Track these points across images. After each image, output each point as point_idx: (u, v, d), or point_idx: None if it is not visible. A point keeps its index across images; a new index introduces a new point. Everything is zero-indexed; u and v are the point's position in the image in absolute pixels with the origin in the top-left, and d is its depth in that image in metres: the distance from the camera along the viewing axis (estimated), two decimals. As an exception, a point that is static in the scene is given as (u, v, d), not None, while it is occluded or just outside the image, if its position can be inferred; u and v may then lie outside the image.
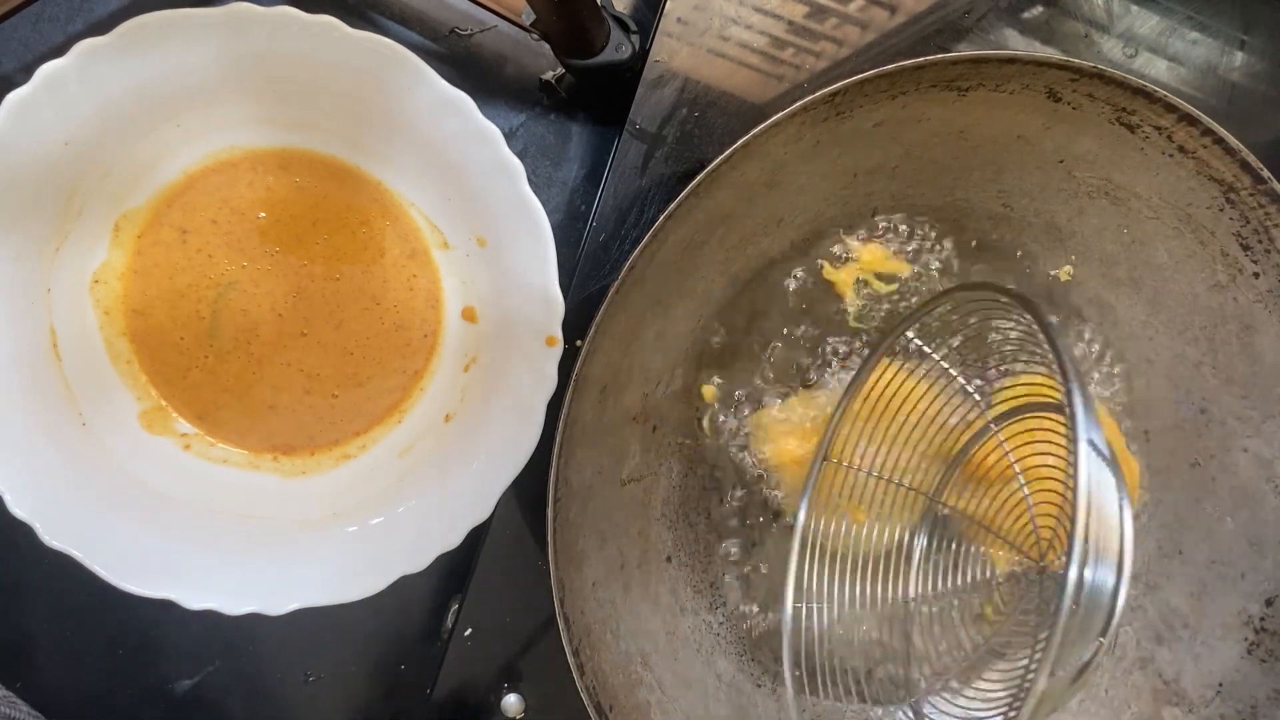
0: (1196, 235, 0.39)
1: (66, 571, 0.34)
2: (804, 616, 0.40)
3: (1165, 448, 0.42)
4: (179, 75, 0.34)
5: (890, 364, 0.41)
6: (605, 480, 0.39)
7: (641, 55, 0.40)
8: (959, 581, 0.41)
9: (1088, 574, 0.26)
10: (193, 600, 0.35)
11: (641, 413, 0.40)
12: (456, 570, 0.43)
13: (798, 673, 0.39)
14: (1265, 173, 0.36)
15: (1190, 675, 0.41)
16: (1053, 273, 0.43)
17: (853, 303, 0.42)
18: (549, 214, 0.36)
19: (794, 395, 0.42)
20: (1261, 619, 0.40)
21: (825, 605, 0.40)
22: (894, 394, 0.40)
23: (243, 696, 0.43)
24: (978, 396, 0.39)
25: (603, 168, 0.42)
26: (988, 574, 0.40)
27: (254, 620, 0.36)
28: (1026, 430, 0.37)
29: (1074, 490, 0.26)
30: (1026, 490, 0.37)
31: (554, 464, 0.34)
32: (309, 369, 0.39)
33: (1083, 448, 0.26)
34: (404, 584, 0.37)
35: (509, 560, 0.41)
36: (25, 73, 0.32)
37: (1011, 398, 0.39)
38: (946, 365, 0.40)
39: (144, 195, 0.37)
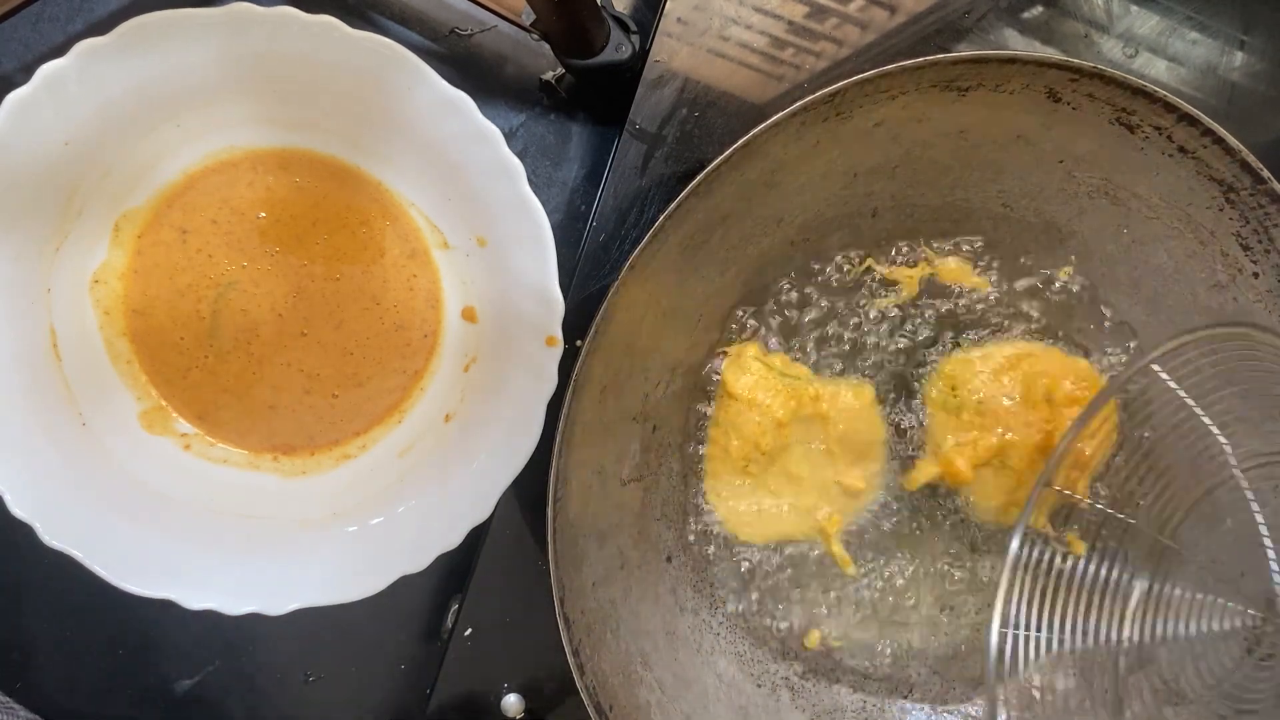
0: (1196, 235, 0.39)
1: (66, 571, 0.34)
2: (1008, 642, 0.38)
3: (1165, 448, 0.42)
4: (179, 75, 0.34)
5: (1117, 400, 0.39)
6: (605, 480, 0.39)
7: (641, 55, 0.40)
8: (1181, 630, 0.38)
9: None
10: (193, 600, 0.35)
11: (641, 413, 0.40)
12: (456, 570, 0.43)
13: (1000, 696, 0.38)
14: (1265, 173, 0.36)
15: (1190, 675, 0.41)
16: (1053, 273, 0.43)
17: (894, 307, 0.42)
18: (549, 214, 0.36)
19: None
20: (1262, 619, 0.40)
21: (1031, 634, 0.39)
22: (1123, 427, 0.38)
23: (243, 696, 0.43)
24: (1224, 439, 0.37)
25: (603, 168, 0.42)
26: (1214, 626, 0.38)
27: (254, 620, 0.36)
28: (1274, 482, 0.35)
29: None
30: (1267, 537, 0.35)
31: (554, 464, 0.34)
32: (309, 369, 0.39)
33: None
34: (404, 584, 0.37)
35: (509, 560, 0.41)
36: (25, 73, 0.32)
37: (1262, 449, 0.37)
38: (1192, 402, 0.38)
39: (144, 195, 0.37)
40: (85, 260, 0.37)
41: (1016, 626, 0.38)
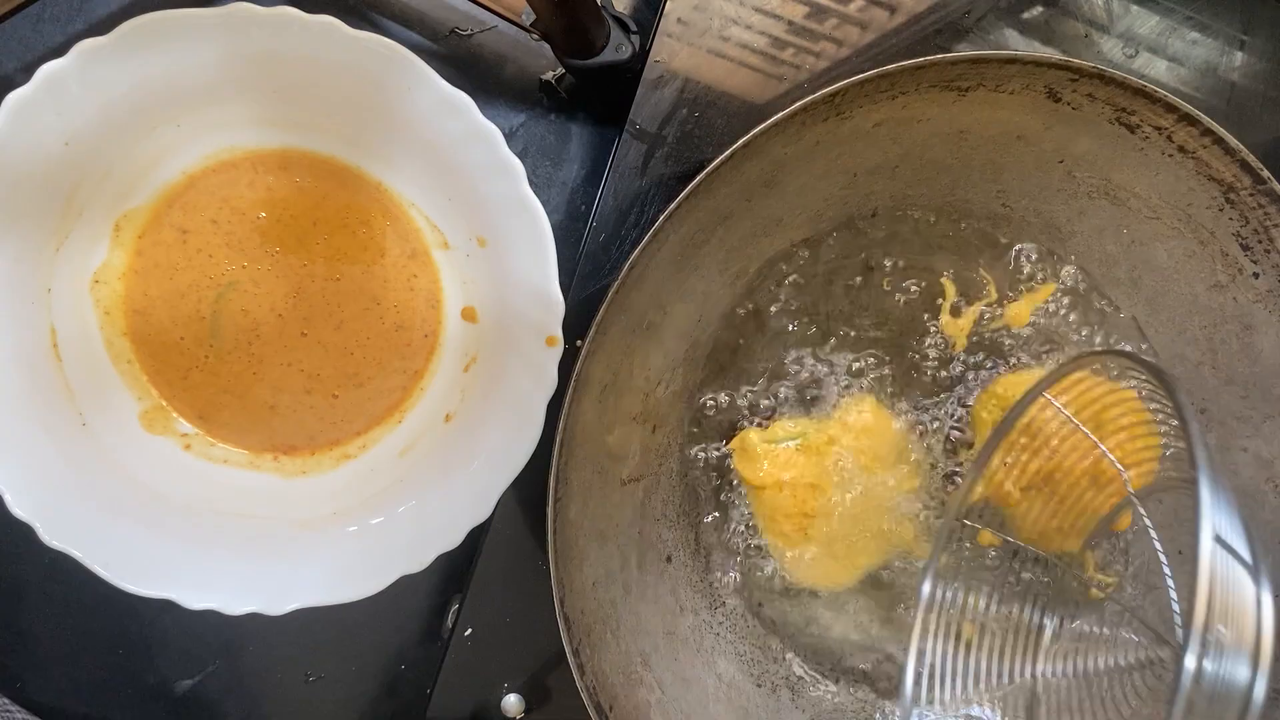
0: (1196, 235, 0.39)
1: (66, 571, 0.34)
2: (924, 684, 0.39)
3: (1165, 448, 0.42)
4: (179, 75, 0.34)
5: (1024, 428, 0.39)
6: (605, 480, 0.39)
7: (641, 55, 0.40)
8: (1091, 665, 0.38)
9: (1211, 666, 0.25)
10: (193, 600, 0.35)
11: (641, 413, 0.40)
12: (456, 570, 0.43)
13: None
14: (1265, 173, 0.36)
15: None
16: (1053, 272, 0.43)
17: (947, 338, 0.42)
18: (549, 214, 0.36)
19: (780, 417, 0.42)
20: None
21: (947, 677, 0.39)
22: (1027, 460, 0.39)
23: (243, 696, 0.43)
24: (1120, 466, 0.38)
25: (603, 168, 0.42)
26: (1124, 660, 0.38)
27: (254, 620, 0.36)
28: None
29: (1194, 583, 0.25)
30: (1168, 570, 0.35)
31: (554, 464, 0.34)
32: (309, 369, 0.39)
33: (1205, 537, 0.25)
34: (404, 584, 0.37)
35: (509, 560, 0.41)
36: (25, 73, 0.32)
37: (1153, 470, 0.37)
38: (1087, 430, 0.38)
39: (144, 195, 0.37)
40: (86, 260, 0.37)
41: (932, 666, 0.39)
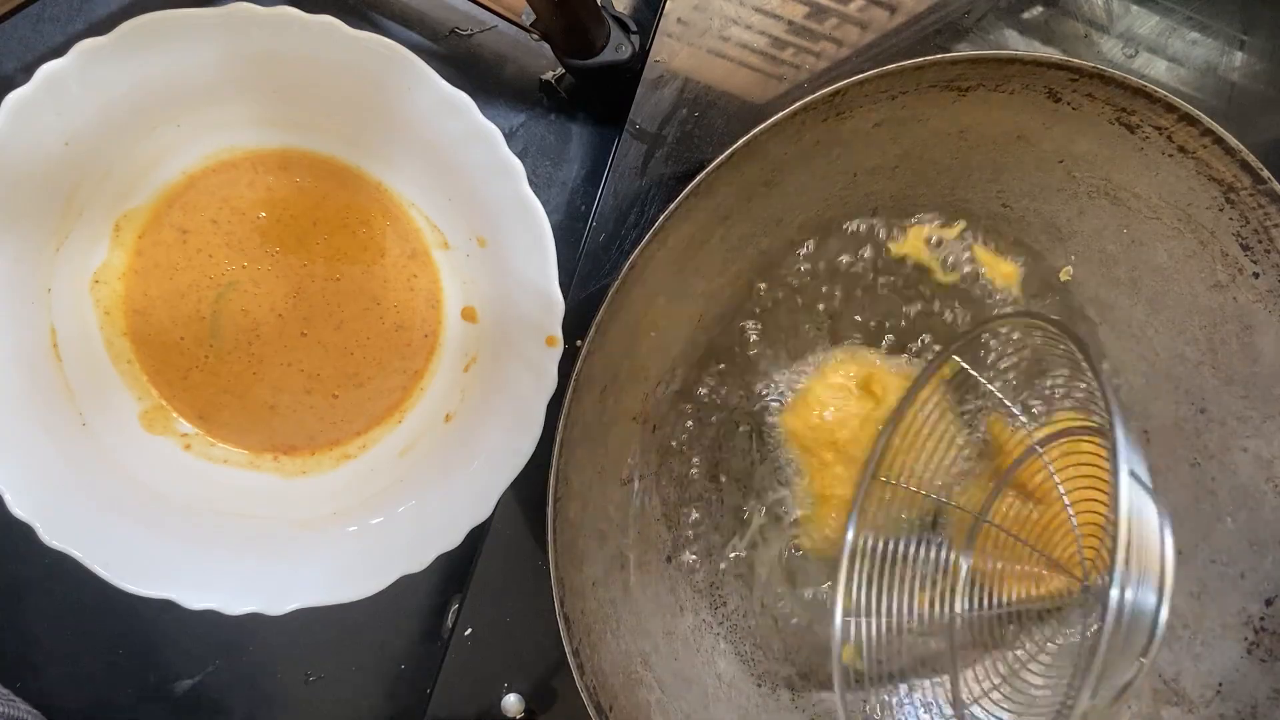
0: (1196, 235, 0.39)
1: (66, 571, 0.34)
2: (852, 628, 0.41)
3: (1165, 447, 0.43)
4: (179, 75, 0.34)
5: (937, 384, 0.42)
6: (605, 480, 0.39)
7: (641, 55, 0.40)
8: (1004, 599, 0.41)
9: (1129, 595, 0.27)
10: (193, 600, 0.35)
11: (641, 413, 0.40)
12: (456, 570, 0.43)
13: (848, 679, 0.40)
14: (1265, 173, 0.36)
15: (1190, 675, 0.41)
16: (1053, 272, 0.43)
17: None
18: (549, 214, 0.36)
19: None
20: (1261, 619, 0.40)
21: (873, 618, 0.41)
22: (941, 415, 0.41)
23: (243, 696, 0.43)
24: (1024, 419, 0.41)
25: (603, 168, 0.42)
26: (1032, 592, 0.41)
27: (254, 620, 0.36)
28: (1069, 454, 0.38)
29: (1114, 516, 0.27)
30: (1072, 512, 0.37)
31: (554, 464, 0.34)
32: (309, 369, 0.39)
33: (1123, 476, 0.27)
34: (404, 584, 0.37)
35: (509, 560, 0.41)
36: (25, 73, 0.32)
37: (1056, 421, 0.40)
38: (993, 388, 0.41)
39: (144, 195, 0.37)
40: (85, 260, 0.37)
41: (858, 614, 0.41)
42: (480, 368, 0.39)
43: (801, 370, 0.43)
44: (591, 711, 0.36)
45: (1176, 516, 0.41)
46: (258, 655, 0.43)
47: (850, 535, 0.42)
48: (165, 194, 0.37)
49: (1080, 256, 0.42)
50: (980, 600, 0.42)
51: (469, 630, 0.41)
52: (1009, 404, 0.42)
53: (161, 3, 0.33)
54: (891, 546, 0.42)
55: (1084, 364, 0.32)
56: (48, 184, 0.34)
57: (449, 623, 0.42)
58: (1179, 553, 0.41)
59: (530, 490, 0.39)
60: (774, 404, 0.43)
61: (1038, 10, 0.43)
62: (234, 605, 0.36)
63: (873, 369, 0.43)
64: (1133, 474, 0.28)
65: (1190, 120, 0.36)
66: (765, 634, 0.43)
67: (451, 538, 0.37)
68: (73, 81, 0.32)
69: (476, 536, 0.39)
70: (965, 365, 0.41)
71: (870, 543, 0.42)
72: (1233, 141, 0.36)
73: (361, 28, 0.34)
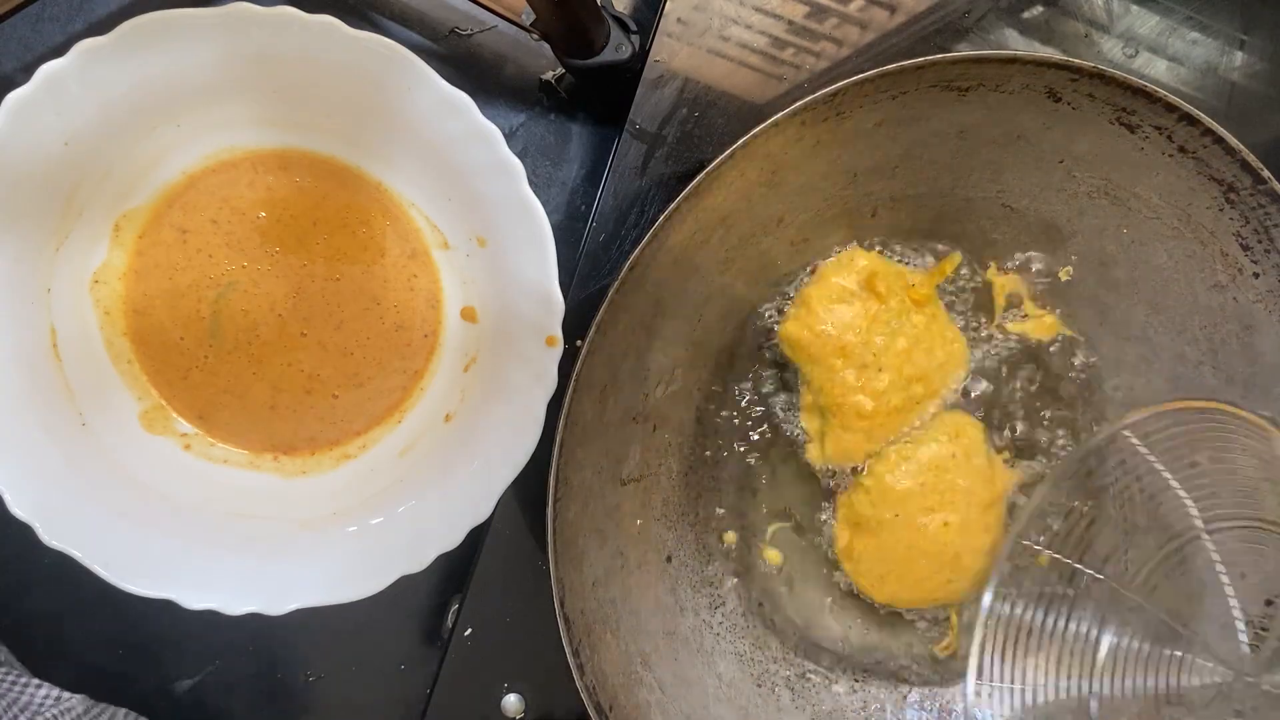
0: (1196, 235, 0.39)
1: (66, 571, 0.34)
2: (983, 694, 0.39)
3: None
4: (179, 75, 0.34)
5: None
6: (605, 480, 0.39)
7: (641, 55, 0.40)
8: (1147, 684, 0.39)
9: None
10: (193, 600, 0.35)
11: (641, 413, 0.40)
12: (456, 570, 0.43)
13: None
14: (1265, 173, 0.36)
15: (1190, 675, 0.41)
16: (1053, 272, 0.43)
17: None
18: (549, 214, 0.36)
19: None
20: (1262, 619, 0.40)
21: (1005, 689, 0.39)
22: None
23: (243, 696, 0.43)
24: (1189, 501, 0.38)
25: (603, 168, 0.42)
26: (1181, 681, 0.38)
27: (254, 620, 0.36)
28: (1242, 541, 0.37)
29: None
30: (1232, 597, 0.36)
31: (554, 464, 0.34)
32: (309, 369, 0.39)
33: None
34: (404, 584, 0.37)
35: (509, 560, 0.41)
36: (25, 73, 0.32)
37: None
38: (1161, 468, 0.39)
39: (144, 195, 0.37)
40: (85, 260, 0.37)
41: (991, 679, 0.39)
42: (480, 368, 0.39)
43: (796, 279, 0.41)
44: (591, 711, 0.36)
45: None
46: (258, 655, 0.43)
47: (988, 598, 0.40)
48: (165, 194, 0.37)
49: (1080, 256, 0.42)
50: (1120, 684, 0.39)
51: (469, 630, 0.41)
52: (1178, 488, 0.39)
53: (161, 3, 0.33)
54: (1029, 614, 0.40)
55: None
56: (48, 184, 0.34)
57: (449, 623, 0.42)
58: (1180, 552, 0.41)
59: (530, 490, 0.39)
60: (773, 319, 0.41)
61: (1038, 10, 0.43)
62: (234, 605, 0.36)
63: (875, 266, 0.41)
64: None
65: (1190, 120, 0.36)
66: (765, 634, 0.43)
67: (451, 538, 0.37)
68: (73, 81, 0.32)
69: (476, 536, 0.39)
70: (1137, 443, 0.39)
71: (1008, 607, 0.40)
72: (1233, 141, 0.36)
73: (361, 28, 0.34)
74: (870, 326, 0.40)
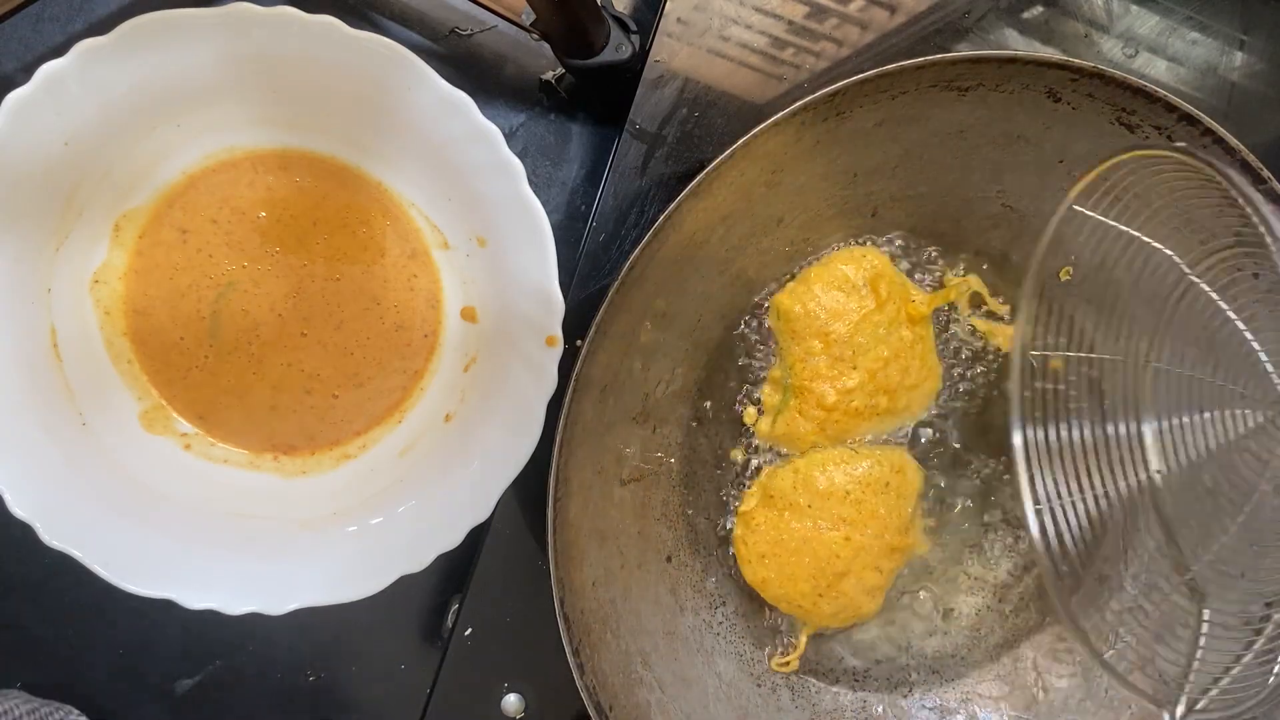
0: (1197, 235, 0.39)
1: (66, 571, 0.34)
2: (1046, 518, 0.37)
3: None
4: (179, 75, 0.34)
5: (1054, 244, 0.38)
6: (605, 480, 0.39)
7: (641, 55, 0.40)
8: (1200, 449, 0.37)
9: None
10: (193, 600, 0.35)
11: (641, 413, 0.40)
12: (456, 570, 0.43)
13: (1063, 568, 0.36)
14: (1265, 173, 0.36)
15: (1190, 675, 0.41)
16: (1053, 272, 0.43)
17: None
18: (549, 214, 0.36)
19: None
20: (1261, 619, 0.40)
21: (1066, 504, 0.37)
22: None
23: (243, 696, 0.43)
24: (1169, 252, 0.36)
25: (603, 168, 0.42)
26: (1229, 435, 0.37)
27: (254, 620, 0.36)
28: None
29: None
30: (1250, 338, 0.34)
31: (554, 464, 0.34)
32: (309, 369, 0.39)
33: None
34: (404, 584, 0.37)
35: (509, 560, 0.41)
36: (25, 73, 0.32)
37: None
38: (1125, 227, 0.36)
39: (144, 195, 0.37)
40: (85, 260, 0.37)
41: (1049, 501, 0.37)
42: (480, 368, 0.39)
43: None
44: (591, 711, 0.36)
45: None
46: (258, 655, 0.43)
47: (1018, 439, 0.37)
48: (165, 194, 0.37)
49: (1080, 257, 0.42)
50: (1176, 456, 0.37)
51: (469, 630, 0.41)
52: (1152, 241, 0.36)
53: (161, 3, 0.33)
54: (1064, 431, 0.38)
55: (1235, 194, 0.30)
56: (48, 184, 0.34)
57: (449, 623, 0.42)
58: (1180, 552, 0.41)
59: (530, 490, 0.39)
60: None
61: (1038, 10, 0.43)
62: (234, 605, 0.36)
63: (884, 269, 0.41)
64: None
65: (1190, 120, 0.36)
66: (765, 634, 0.43)
67: (451, 538, 0.37)
68: (73, 81, 0.32)
69: (476, 536, 0.39)
70: (1092, 213, 0.36)
71: (1040, 431, 0.38)
72: (1233, 141, 0.36)
73: (361, 28, 0.34)
74: (859, 324, 0.40)
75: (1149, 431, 0.38)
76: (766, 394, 0.42)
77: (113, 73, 0.33)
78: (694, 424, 0.42)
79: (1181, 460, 0.38)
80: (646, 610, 0.40)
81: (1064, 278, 0.43)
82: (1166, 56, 0.44)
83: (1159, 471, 0.38)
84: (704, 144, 0.41)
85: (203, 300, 0.38)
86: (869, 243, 0.42)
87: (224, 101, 0.36)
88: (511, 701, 0.42)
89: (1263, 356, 0.34)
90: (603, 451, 0.38)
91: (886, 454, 0.42)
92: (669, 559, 0.42)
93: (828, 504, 0.41)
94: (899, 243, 0.43)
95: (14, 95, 0.32)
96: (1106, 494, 0.38)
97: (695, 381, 0.42)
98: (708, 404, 0.42)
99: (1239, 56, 0.44)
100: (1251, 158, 0.36)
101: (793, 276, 0.42)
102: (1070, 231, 0.37)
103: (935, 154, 0.39)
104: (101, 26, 0.38)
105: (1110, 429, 0.38)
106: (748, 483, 0.43)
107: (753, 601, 0.43)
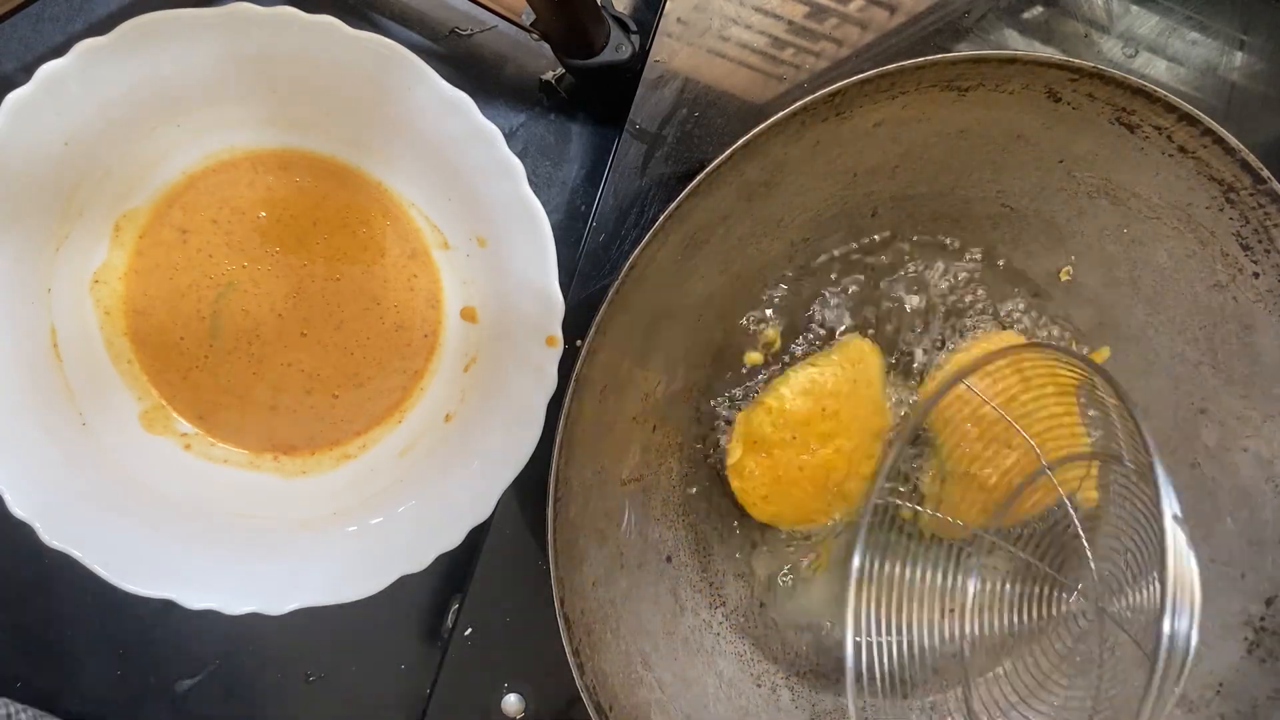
0: (1196, 235, 0.39)
1: (66, 571, 0.34)
2: (863, 650, 0.41)
3: (1165, 447, 0.42)
4: (179, 75, 0.34)
5: (947, 403, 0.42)
6: (605, 480, 0.39)
7: (641, 55, 0.40)
8: (1015, 620, 0.42)
9: (1169, 627, 0.28)
10: (193, 600, 0.35)
11: (641, 413, 0.40)
12: (456, 570, 0.43)
13: (860, 703, 0.41)
14: (1265, 173, 0.36)
15: (1190, 675, 0.41)
16: (1053, 273, 0.43)
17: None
18: (549, 214, 0.36)
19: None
20: (1261, 619, 0.40)
21: (884, 639, 0.42)
22: (950, 433, 0.42)
23: (243, 696, 0.43)
24: (1033, 442, 0.41)
25: (603, 168, 0.42)
26: (1044, 612, 0.41)
27: (254, 620, 0.36)
28: (1081, 476, 0.39)
29: (1164, 561, 0.28)
30: (1080, 531, 0.38)
31: (554, 464, 0.34)
32: (309, 369, 0.39)
33: (1168, 521, 0.29)
34: (404, 584, 0.37)
35: (509, 560, 0.41)
36: (25, 73, 0.32)
37: (1063, 444, 0.40)
38: (1004, 414, 0.41)
39: (144, 195, 0.37)
40: (85, 260, 0.37)
41: (869, 634, 0.42)
42: (480, 368, 0.39)
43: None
44: (591, 711, 0.36)
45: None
46: (258, 655, 0.43)
47: (857, 557, 0.42)
48: (165, 194, 0.37)
49: (1080, 256, 0.42)
50: (989, 623, 0.42)
51: (469, 630, 0.41)
52: (1020, 430, 0.41)
53: (161, 3, 0.33)
54: (896, 568, 0.42)
55: (1117, 404, 0.33)
56: (48, 184, 0.34)
57: (449, 623, 0.42)
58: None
59: (530, 490, 0.39)
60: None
61: (1038, 10, 0.43)
62: (234, 605, 0.36)
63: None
64: (1175, 517, 0.29)
65: (1190, 120, 0.36)
66: (765, 634, 0.43)
67: (451, 538, 0.37)
68: (73, 81, 0.32)
69: (476, 536, 0.39)
70: (977, 390, 0.41)
71: (874, 564, 0.42)
72: (1233, 141, 0.36)
73: (361, 28, 0.34)
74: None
75: (970, 591, 0.43)
76: (927, 484, 0.43)
77: (113, 73, 0.33)
78: (694, 424, 0.42)
79: (990, 628, 0.42)
80: (646, 610, 0.40)
81: (1064, 278, 0.43)
82: (1166, 56, 0.44)
83: (968, 634, 0.42)
84: (704, 144, 0.41)
85: (203, 300, 0.38)
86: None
87: (224, 101, 0.36)
88: (511, 701, 0.42)
89: (1085, 546, 0.38)
90: (603, 451, 0.38)
91: (842, 352, 0.42)
92: (669, 559, 0.42)
93: (809, 428, 0.41)
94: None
95: (14, 95, 0.32)
96: (922, 641, 0.42)
97: (695, 381, 0.42)
98: (709, 404, 0.42)
99: (1239, 56, 0.44)
100: (1251, 158, 0.36)
101: (794, 276, 0.42)
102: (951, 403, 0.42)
103: (935, 154, 0.39)
104: (101, 26, 0.38)
105: (938, 579, 0.43)
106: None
107: (754, 602, 0.43)
